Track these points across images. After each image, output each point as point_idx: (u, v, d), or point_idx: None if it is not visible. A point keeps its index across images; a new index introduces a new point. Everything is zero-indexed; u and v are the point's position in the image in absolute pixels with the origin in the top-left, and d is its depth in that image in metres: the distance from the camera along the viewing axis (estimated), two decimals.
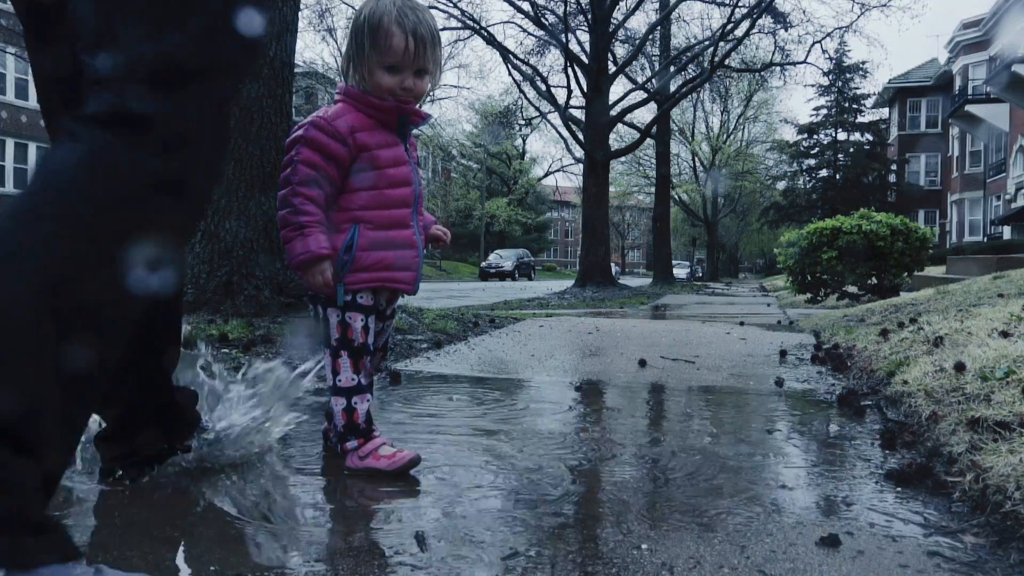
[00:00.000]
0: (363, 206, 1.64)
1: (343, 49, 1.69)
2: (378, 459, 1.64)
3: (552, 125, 23.60)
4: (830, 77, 33.75)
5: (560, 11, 17.77)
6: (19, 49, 22.49)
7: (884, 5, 17.72)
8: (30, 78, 26.30)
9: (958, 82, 30.47)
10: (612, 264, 19.39)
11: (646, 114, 24.78)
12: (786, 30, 18.78)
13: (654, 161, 29.27)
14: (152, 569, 1.15)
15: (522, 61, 18.74)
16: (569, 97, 19.09)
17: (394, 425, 2.14)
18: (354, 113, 1.63)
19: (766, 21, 18.43)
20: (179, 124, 0.99)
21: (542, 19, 18.32)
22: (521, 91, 19.89)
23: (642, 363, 3.34)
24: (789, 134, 41.70)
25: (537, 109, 22.53)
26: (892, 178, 36.96)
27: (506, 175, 48.18)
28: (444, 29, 19.59)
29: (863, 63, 36.94)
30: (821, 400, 2.61)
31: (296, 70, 6.52)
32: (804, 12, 38.36)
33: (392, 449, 1.67)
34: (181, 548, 1.25)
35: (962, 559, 1.24)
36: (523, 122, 27.67)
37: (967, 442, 1.67)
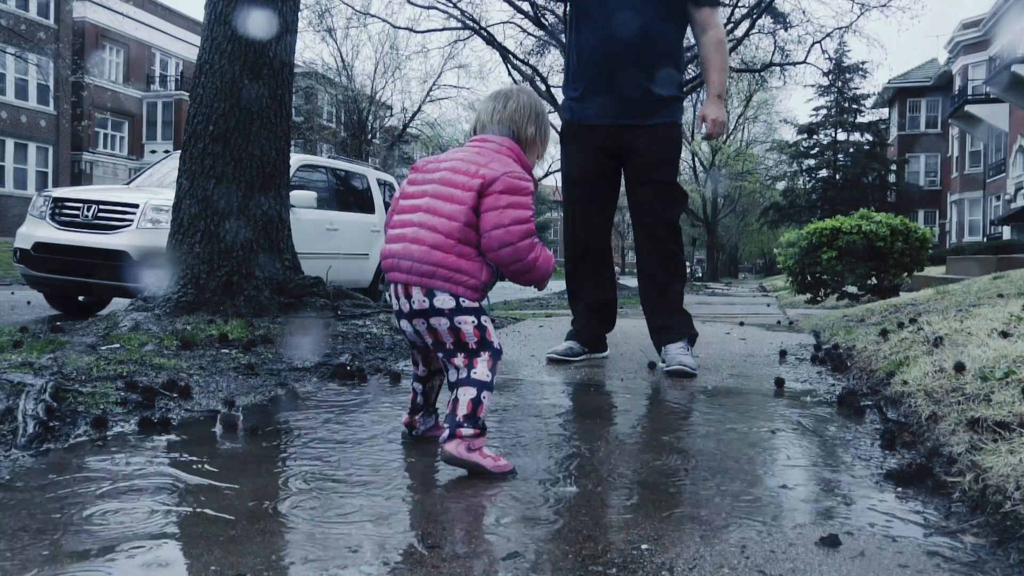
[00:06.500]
0: None
1: (521, 123, 1.98)
2: (484, 457, 1.68)
3: (552, 125, 23.49)
4: (830, 77, 33.71)
5: (560, 11, 17.76)
6: (19, 49, 22.40)
7: (884, 5, 17.70)
8: (30, 78, 26.19)
9: (958, 82, 30.49)
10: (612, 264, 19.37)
11: None
12: (786, 30, 18.74)
13: None
14: None
15: (522, 61, 18.71)
16: None
17: (397, 423, 2.14)
18: None
19: (766, 21, 18.41)
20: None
21: (542, 19, 18.30)
22: None
23: (644, 364, 3.34)
24: (789, 134, 41.68)
25: None
26: (892, 178, 36.97)
27: None
28: (444, 29, 19.63)
29: (863, 63, 36.92)
30: (821, 400, 2.61)
31: (296, 70, 6.51)
32: (804, 12, 38.09)
33: (494, 452, 1.73)
34: None
35: (962, 559, 1.24)
36: None
37: (967, 442, 1.67)
